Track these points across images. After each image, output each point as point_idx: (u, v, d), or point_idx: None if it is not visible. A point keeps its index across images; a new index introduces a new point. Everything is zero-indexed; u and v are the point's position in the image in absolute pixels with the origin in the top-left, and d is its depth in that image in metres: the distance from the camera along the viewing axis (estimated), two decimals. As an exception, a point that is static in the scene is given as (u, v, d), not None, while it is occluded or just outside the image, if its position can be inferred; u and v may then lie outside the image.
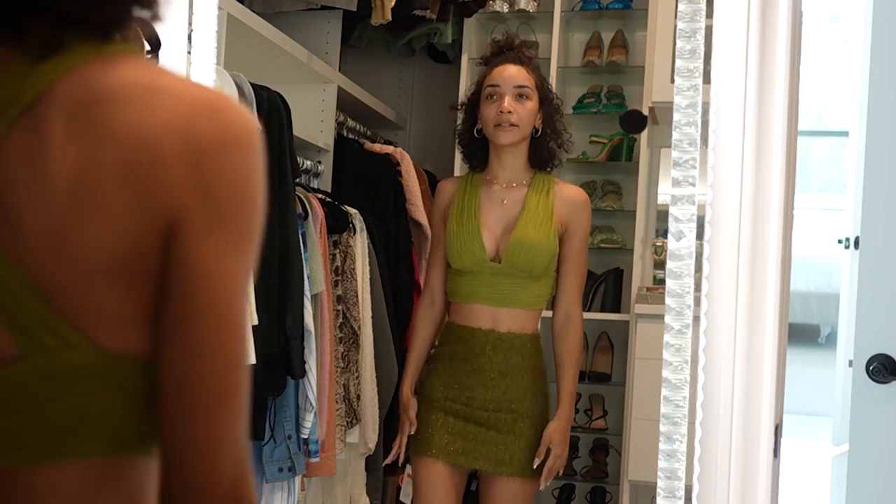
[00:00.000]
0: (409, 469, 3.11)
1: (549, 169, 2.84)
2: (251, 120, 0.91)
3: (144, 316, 0.89)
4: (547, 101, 2.82)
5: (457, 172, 4.07)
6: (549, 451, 2.72)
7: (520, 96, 2.76)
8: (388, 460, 2.97)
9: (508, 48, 2.85)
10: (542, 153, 2.82)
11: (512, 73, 2.78)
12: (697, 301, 2.01)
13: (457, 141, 2.96)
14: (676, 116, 2.03)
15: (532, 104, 2.77)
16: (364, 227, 3.32)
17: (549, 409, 2.79)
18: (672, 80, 2.27)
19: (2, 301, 0.86)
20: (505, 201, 2.79)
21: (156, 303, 0.89)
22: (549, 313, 2.86)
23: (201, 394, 0.88)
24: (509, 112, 2.73)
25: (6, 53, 0.88)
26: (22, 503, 0.89)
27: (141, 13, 0.93)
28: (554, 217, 2.75)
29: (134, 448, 0.93)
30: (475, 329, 2.73)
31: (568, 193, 2.81)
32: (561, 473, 2.80)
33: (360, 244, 3.29)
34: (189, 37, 2.15)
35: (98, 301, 0.87)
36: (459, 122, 2.94)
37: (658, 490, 2.06)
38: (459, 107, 2.95)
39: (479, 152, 2.86)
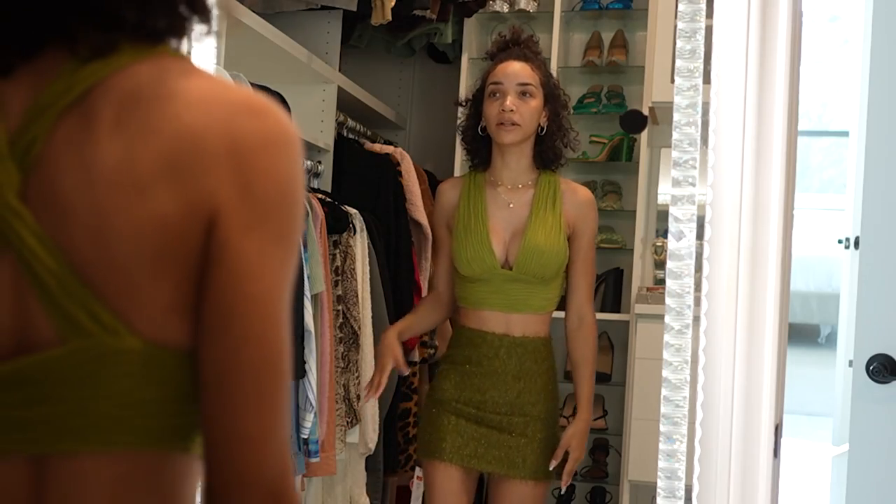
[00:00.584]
0: (418, 471, 3.08)
1: (554, 168, 2.81)
2: (291, 124, 0.94)
3: (185, 307, 0.91)
4: (552, 98, 2.76)
5: (457, 172, 4.07)
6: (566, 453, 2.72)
7: (523, 94, 2.70)
8: (364, 400, 2.93)
9: (514, 43, 2.81)
10: (548, 152, 2.76)
11: (515, 70, 2.72)
12: (697, 301, 2.01)
13: (460, 138, 2.91)
14: (676, 116, 2.03)
15: (536, 102, 2.72)
16: (364, 227, 3.32)
17: (558, 411, 2.80)
18: (672, 80, 2.27)
19: (45, 284, 0.88)
20: (511, 204, 2.74)
21: (197, 295, 0.91)
22: (558, 314, 2.84)
23: (241, 386, 0.90)
24: (511, 111, 2.67)
25: (58, 56, 0.92)
26: (55, 493, 0.90)
27: (198, 26, 0.97)
28: (562, 219, 2.72)
29: (171, 443, 0.93)
30: (488, 333, 2.69)
31: (575, 194, 2.77)
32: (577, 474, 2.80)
33: (360, 244, 3.29)
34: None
35: (138, 289, 0.89)
36: (462, 118, 2.90)
37: (658, 490, 2.06)
38: (463, 103, 2.91)
39: (483, 150, 2.80)
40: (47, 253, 0.88)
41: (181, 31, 0.96)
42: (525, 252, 2.66)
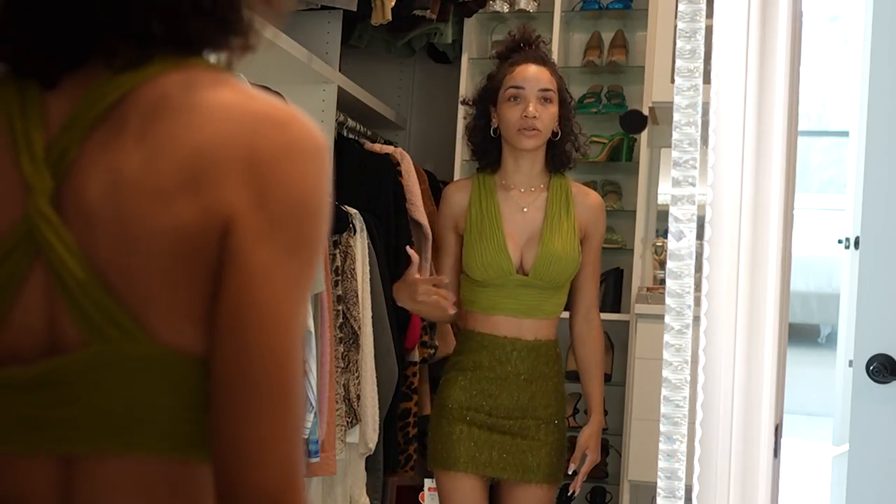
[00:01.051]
0: (428, 483, 3.06)
1: (563, 171, 2.79)
2: (318, 135, 0.94)
3: (201, 314, 0.92)
4: (565, 103, 2.75)
5: (457, 173, 4.07)
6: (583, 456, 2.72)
7: (544, 100, 2.67)
8: (450, 309, 2.59)
9: (526, 43, 2.77)
10: (560, 156, 2.74)
11: (535, 75, 2.69)
12: (697, 301, 2.01)
13: (467, 138, 2.84)
14: (676, 116, 2.03)
15: (554, 108, 2.69)
16: (364, 227, 3.32)
17: (566, 412, 2.80)
18: (672, 80, 2.27)
19: (69, 289, 0.91)
20: (526, 209, 2.70)
21: (212, 302, 0.91)
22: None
23: (244, 393, 0.90)
24: (534, 117, 2.64)
25: (97, 68, 0.95)
26: (83, 494, 0.93)
27: (234, 40, 0.98)
28: (576, 224, 2.71)
29: (194, 450, 0.94)
30: (500, 337, 2.66)
31: (586, 199, 2.76)
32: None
33: (360, 244, 3.29)
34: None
35: (157, 296, 0.91)
36: (469, 118, 2.81)
37: (658, 490, 2.06)
38: (471, 102, 2.85)
39: (493, 152, 2.75)
40: (72, 258, 0.91)
41: (214, 44, 0.97)
42: (542, 259, 2.64)
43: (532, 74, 2.69)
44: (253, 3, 0.99)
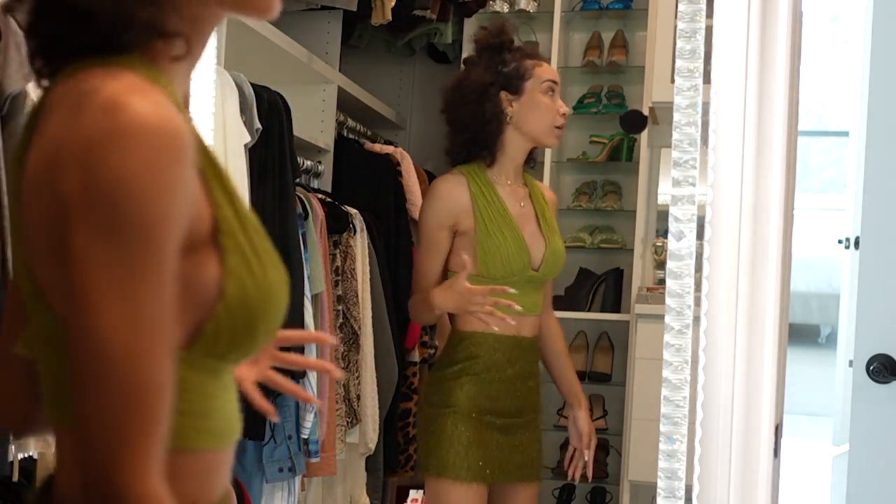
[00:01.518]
0: (413, 494, 3.01)
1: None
2: (150, 119, 0.93)
3: None
4: None
5: (457, 172, 4.06)
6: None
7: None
8: (504, 322, 2.47)
9: (509, 40, 2.68)
10: (535, 152, 2.78)
11: (556, 73, 2.71)
12: (698, 301, 2.01)
13: (474, 126, 2.64)
14: (676, 116, 2.03)
15: None
16: (364, 227, 3.33)
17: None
18: (672, 80, 2.27)
19: (15, 273, 1.04)
20: (522, 203, 2.67)
21: None
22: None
23: (72, 375, 0.93)
24: (564, 115, 2.65)
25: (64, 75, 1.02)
26: (58, 458, 1.04)
27: (129, 37, 1.00)
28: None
29: None
30: (510, 337, 2.60)
31: (549, 195, 2.81)
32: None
33: (360, 244, 3.29)
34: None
35: (51, 280, 0.98)
36: (464, 106, 2.64)
37: (658, 490, 2.06)
38: (470, 91, 2.63)
39: (495, 143, 2.64)
40: (15, 242, 1.04)
41: (109, 45, 0.99)
42: (552, 253, 2.63)
43: (555, 72, 2.71)
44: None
